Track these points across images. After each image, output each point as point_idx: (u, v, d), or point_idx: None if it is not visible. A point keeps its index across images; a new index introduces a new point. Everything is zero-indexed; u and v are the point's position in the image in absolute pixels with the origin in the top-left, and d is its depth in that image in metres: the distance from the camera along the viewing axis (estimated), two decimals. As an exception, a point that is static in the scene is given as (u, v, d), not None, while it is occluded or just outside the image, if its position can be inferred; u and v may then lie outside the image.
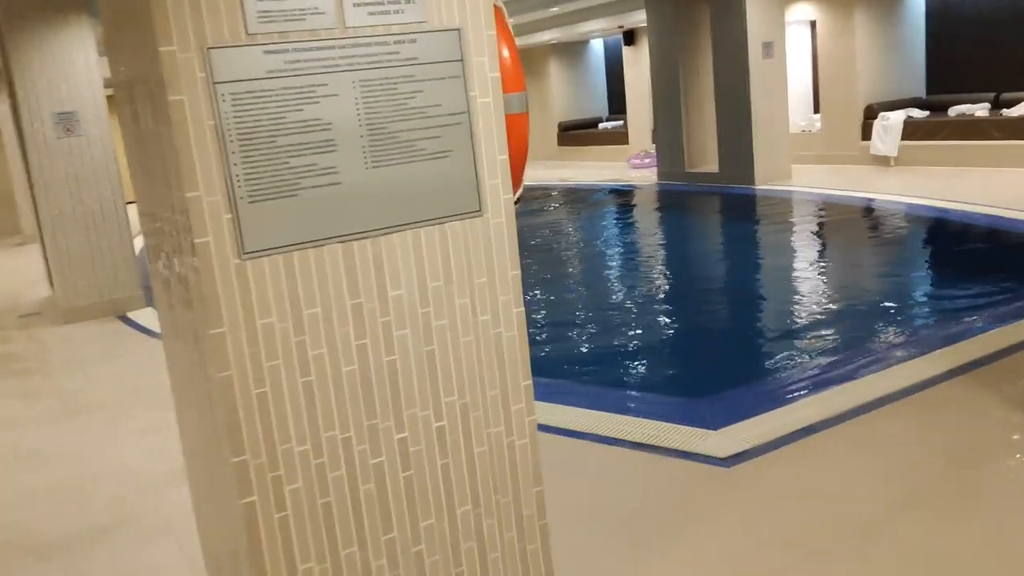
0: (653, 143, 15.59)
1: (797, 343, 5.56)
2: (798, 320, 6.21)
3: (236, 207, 1.83)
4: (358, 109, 1.94)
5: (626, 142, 18.31)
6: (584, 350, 6.02)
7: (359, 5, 1.92)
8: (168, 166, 1.88)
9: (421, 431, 2.13)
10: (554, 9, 15.53)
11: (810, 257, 8.69)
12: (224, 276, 1.85)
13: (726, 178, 12.76)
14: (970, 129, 11.85)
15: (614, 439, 3.97)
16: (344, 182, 1.94)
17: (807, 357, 5.22)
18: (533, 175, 15.94)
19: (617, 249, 10.12)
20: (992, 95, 12.32)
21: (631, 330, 6.38)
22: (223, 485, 2.07)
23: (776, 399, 4.39)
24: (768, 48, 12.15)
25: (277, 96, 1.85)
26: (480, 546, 2.25)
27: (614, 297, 7.68)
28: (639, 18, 15.27)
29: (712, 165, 13.38)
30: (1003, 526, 2.95)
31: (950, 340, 4.90)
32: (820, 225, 10.10)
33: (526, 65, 18.28)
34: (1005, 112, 11.65)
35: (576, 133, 20.15)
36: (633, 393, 4.99)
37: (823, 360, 5.09)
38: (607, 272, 8.89)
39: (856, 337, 5.45)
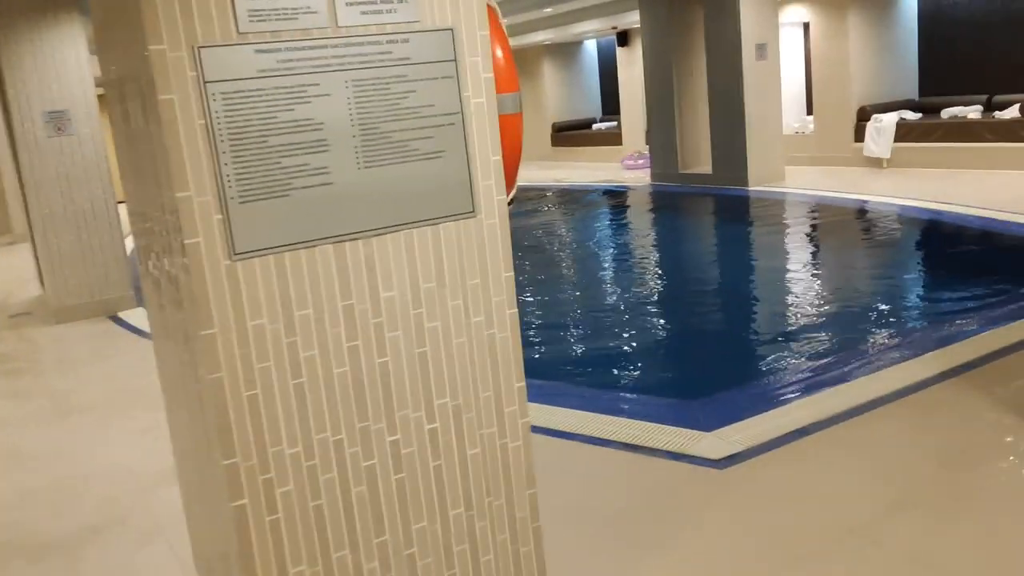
0: (647, 144, 15.60)
1: (790, 345, 5.56)
2: (791, 322, 6.21)
3: (227, 207, 1.81)
4: (350, 109, 1.92)
5: (620, 143, 18.31)
6: (577, 351, 6.01)
7: (351, 4, 1.90)
8: (158, 166, 1.86)
9: (413, 433, 2.12)
10: (548, 10, 15.53)
11: (803, 259, 8.70)
12: (215, 277, 1.83)
13: (719, 179, 12.77)
14: (963, 131, 11.88)
15: (607, 440, 3.97)
16: (336, 182, 1.93)
17: (800, 359, 5.23)
18: (527, 176, 15.94)
19: (610, 250, 10.12)
20: (984, 97, 12.35)
21: (624, 331, 6.37)
22: (214, 487, 2.05)
23: (769, 401, 4.39)
24: (761, 49, 12.17)
25: (268, 96, 1.83)
26: (473, 548, 2.24)
27: (607, 298, 7.67)
28: (633, 19, 15.27)
29: (705, 166, 13.39)
30: (995, 528, 2.95)
31: (942, 342, 4.91)
32: (813, 227, 10.11)
33: (520, 66, 18.27)
34: (997, 114, 11.68)
35: (570, 134, 20.15)
36: (626, 394, 4.98)
37: (816, 362, 5.09)
38: (600, 273, 8.89)
39: (849, 339, 5.46)
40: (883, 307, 6.19)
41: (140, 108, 1.92)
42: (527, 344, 5.54)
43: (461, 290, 2.14)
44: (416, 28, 2.00)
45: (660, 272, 8.68)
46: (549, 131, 20.42)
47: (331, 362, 1.99)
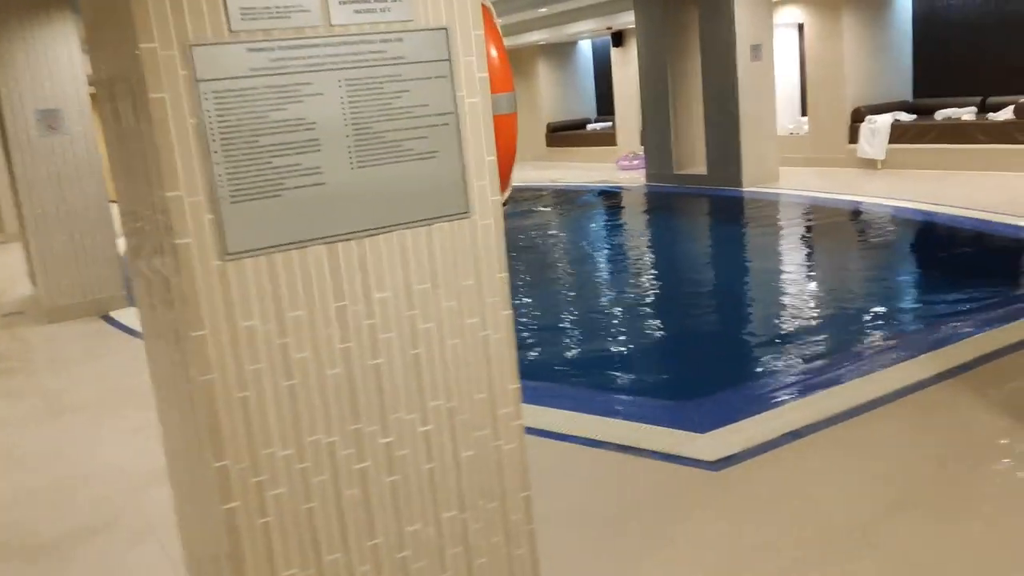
0: (641, 145, 15.60)
1: (785, 346, 5.56)
2: (786, 323, 6.21)
3: (218, 207, 1.80)
4: (343, 108, 1.91)
5: (614, 143, 18.32)
6: (571, 352, 6.00)
7: (345, 3, 1.89)
8: (149, 165, 1.85)
9: (407, 435, 2.10)
10: (543, 10, 15.52)
11: (797, 260, 8.71)
12: (206, 277, 1.82)
13: (714, 180, 12.77)
14: (957, 133, 11.91)
15: (601, 442, 3.96)
16: (329, 182, 1.91)
17: (795, 360, 5.22)
18: (521, 176, 15.93)
19: (605, 251, 10.11)
20: (978, 99, 12.38)
21: (618, 332, 6.36)
22: (204, 489, 2.04)
23: (764, 402, 4.38)
24: (756, 50, 12.17)
25: (260, 95, 1.81)
26: (466, 551, 2.23)
27: (602, 299, 7.66)
28: (628, 19, 15.27)
29: (700, 167, 13.39)
30: (992, 530, 2.94)
31: (937, 344, 4.91)
32: (807, 228, 10.12)
33: (515, 66, 18.26)
34: (991, 116, 11.71)
35: (565, 134, 20.14)
36: (620, 396, 4.97)
37: (811, 363, 5.08)
38: (595, 274, 8.88)
39: (843, 340, 5.46)
40: (877, 308, 6.19)
41: (131, 107, 1.90)
42: (521, 345, 5.53)
43: (455, 291, 2.13)
44: (410, 27, 1.98)
45: (654, 273, 8.67)
46: (544, 131, 20.42)
47: (323, 364, 1.97)
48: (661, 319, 6.77)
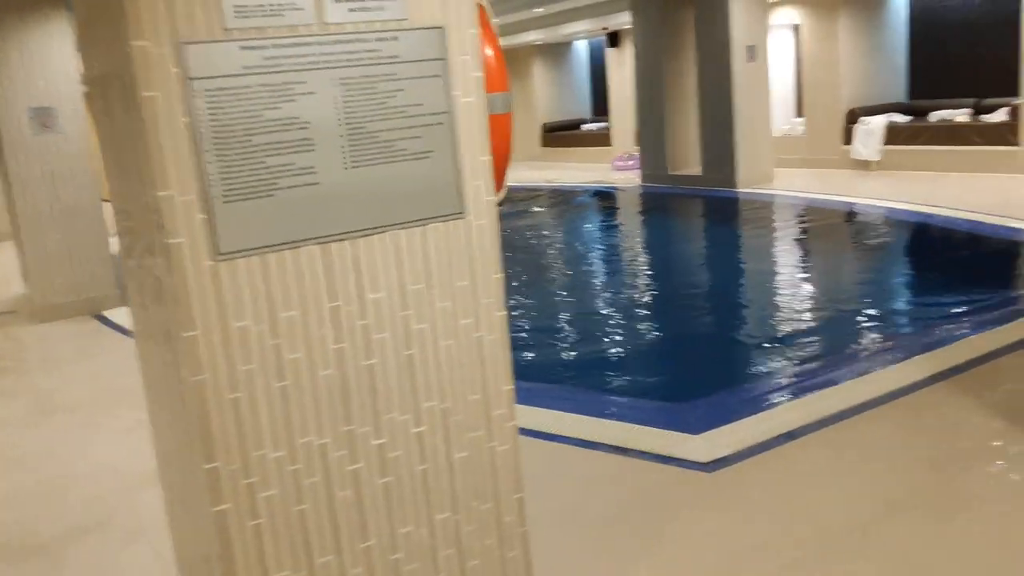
0: (636, 145, 15.59)
1: (779, 347, 5.56)
2: (780, 324, 6.21)
3: (210, 207, 1.78)
4: (337, 108, 1.90)
5: (610, 144, 18.30)
6: (565, 353, 5.99)
7: (339, 1, 1.88)
8: (141, 164, 1.83)
9: (400, 437, 2.09)
10: (539, 10, 15.50)
11: (791, 261, 8.71)
12: (198, 277, 1.80)
13: (709, 181, 12.77)
14: (951, 134, 11.93)
15: (594, 443, 3.95)
16: (322, 182, 1.90)
17: (789, 361, 5.22)
18: (517, 176, 15.91)
19: (600, 252, 10.11)
20: (973, 101, 12.39)
21: (613, 333, 6.36)
22: (195, 490, 2.02)
23: (758, 403, 4.38)
24: (752, 51, 12.18)
25: (253, 93, 1.80)
26: (459, 553, 2.22)
27: (596, 300, 7.66)
28: (623, 20, 15.27)
29: (695, 168, 13.39)
30: (985, 532, 2.94)
31: (931, 345, 4.91)
32: (802, 229, 10.12)
33: (510, 66, 18.22)
34: (985, 118, 11.73)
35: (560, 134, 20.13)
36: (614, 397, 4.96)
37: (805, 365, 5.08)
38: (589, 275, 8.87)
39: (837, 342, 5.45)
40: (871, 310, 6.19)
41: (123, 105, 1.89)
42: (515, 346, 5.51)
43: (449, 292, 2.12)
44: (405, 26, 1.97)
45: (649, 274, 8.67)
46: (539, 131, 20.40)
47: (316, 364, 1.96)
48: (655, 320, 6.76)
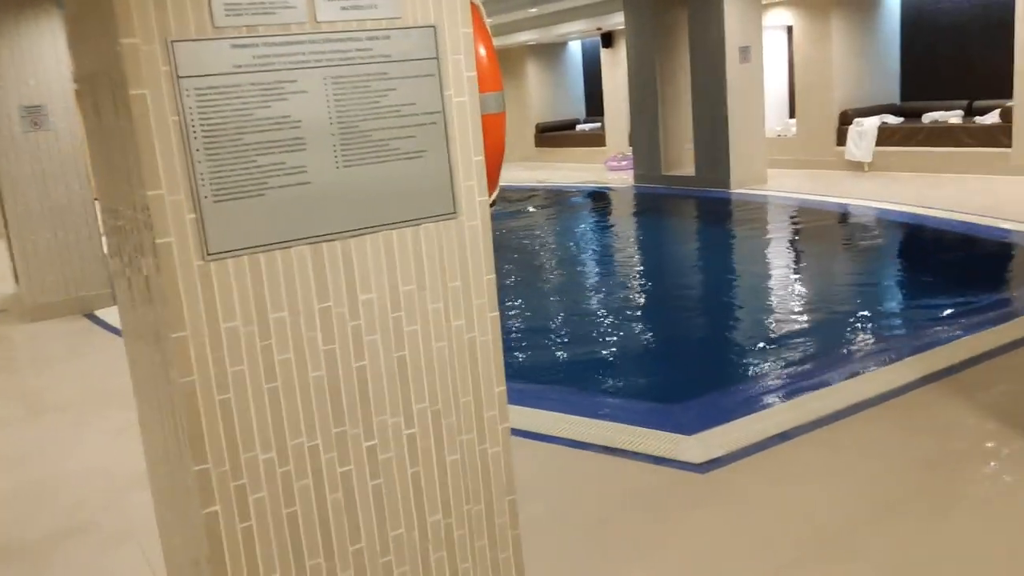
0: (630, 145, 15.60)
1: (772, 348, 5.55)
2: (773, 325, 6.21)
3: (200, 206, 1.76)
4: (329, 107, 1.88)
5: (603, 144, 18.32)
6: (558, 354, 5.98)
7: (331, -1, 1.86)
8: (130, 162, 1.81)
9: (391, 438, 2.07)
10: (533, 10, 15.49)
11: (785, 262, 8.71)
12: (187, 278, 1.78)
13: (702, 181, 12.78)
14: (943, 136, 11.96)
15: (587, 444, 3.94)
16: (314, 182, 1.88)
17: (782, 362, 5.22)
18: (510, 176, 15.90)
19: (593, 253, 10.10)
20: (965, 103, 12.44)
21: (606, 334, 6.35)
22: (185, 492, 2.00)
23: (751, 404, 4.38)
24: (745, 52, 12.19)
25: (244, 92, 1.78)
26: (451, 556, 2.20)
27: (589, 301, 7.65)
28: (617, 20, 15.27)
29: (688, 168, 13.40)
30: (979, 532, 2.94)
31: (924, 346, 4.92)
32: (795, 230, 10.14)
33: (504, 66, 18.23)
34: (978, 119, 11.77)
35: (554, 135, 20.14)
36: (607, 398, 4.95)
37: (798, 366, 5.08)
38: (582, 276, 8.87)
39: (831, 343, 5.45)
40: (865, 311, 6.20)
41: (112, 103, 1.86)
42: (508, 347, 5.50)
43: (441, 293, 2.10)
44: (397, 25, 1.95)
45: (642, 275, 8.67)
46: (533, 131, 20.40)
47: (307, 366, 1.94)
48: (648, 321, 6.76)
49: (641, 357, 5.87)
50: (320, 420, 1.97)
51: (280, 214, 1.85)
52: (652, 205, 12.86)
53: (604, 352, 5.91)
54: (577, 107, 21.04)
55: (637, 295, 7.73)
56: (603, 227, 12.01)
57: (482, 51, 2.22)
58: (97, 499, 3.83)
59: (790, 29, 14.25)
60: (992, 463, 3.46)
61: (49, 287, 7.60)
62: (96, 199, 5.74)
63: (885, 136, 12.47)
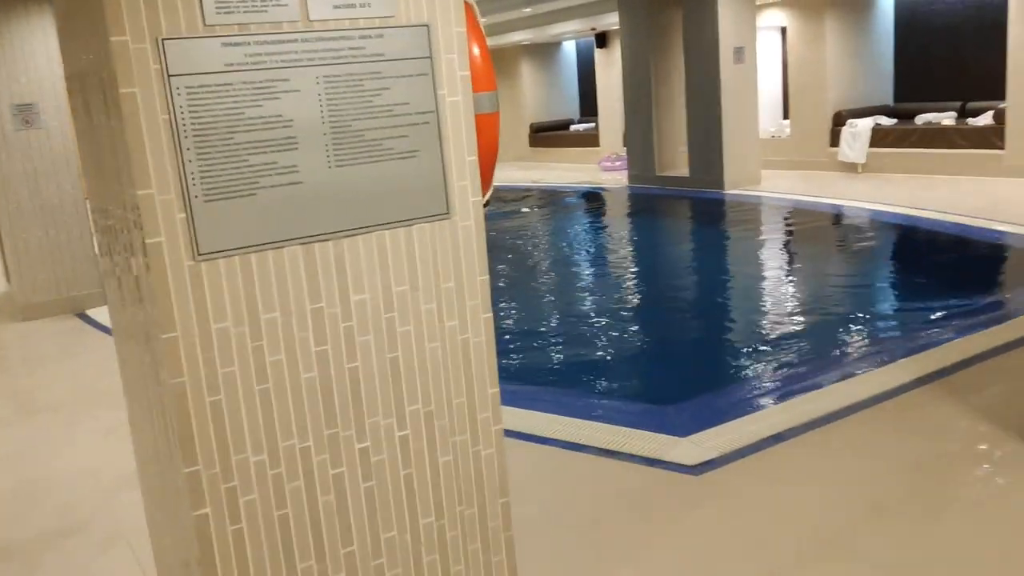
0: (624, 146, 15.59)
1: (766, 350, 5.55)
2: (766, 327, 6.20)
3: (190, 206, 1.75)
4: (321, 106, 1.86)
5: (597, 144, 18.31)
6: (551, 355, 5.97)
7: (323, -3, 1.84)
8: (120, 161, 1.79)
9: (383, 440, 2.06)
10: (527, 10, 15.48)
11: (778, 263, 8.72)
12: (177, 278, 1.77)
13: (696, 182, 12.78)
14: (937, 137, 11.98)
15: (580, 445, 3.93)
16: (306, 181, 1.87)
17: (775, 364, 5.21)
18: (504, 176, 15.90)
19: (587, 254, 10.08)
20: (958, 104, 12.46)
21: (599, 335, 6.34)
22: (175, 494, 1.99)
23: (745, 406, 4.37)
24: (739, 53, 12.19)
25: (235, 91, 1.77)
26: (443, 558, 2.19)
27: (582, 302, 7.64)
28: (611, 21, 15.27)
29: (682, 169, 13.40)
30: (972, 534, 2.93)
31: (917, 348, 4.92)
32: (788, 231, 10.14)
33: (498, 66, 18.22)
34: (971, 121, 11.78)
35: (548, 135, 20.12)
36: (600, 399, 4.94)
37: (791, 367, 5.08)
38: (576, 277, 8.85)
39: (824, 344, 5.45)
40: (858, 313, 6.20)
41: (101, 102, 1.85)
42: (501, 348, 5.49)
43: (435, 293, 2.09)
44: (390, 23, 1.94)
45: (636, 276, 8.66)
46: (527, 131, 20.39)
47: (299, 367, 1.93)
48: (642, 322, 6.75)
49: (635, 358, 5.86)
50: (312, 422, 1.96)
51: (272, 214, 1.83)
52: (646, 206, 12.86)
53: (598, 353, 5.90)
54: (571, 107, 21.04)
55: (631, 296, 7.72)
56: (597, 228, 12.00)
57: (476, 50, 2.21)
58: (88, 500, 3.81)
59: (784, 30, 14.25)
60: (985, 465, 3.46)
61: (41, 286, 7.56)
62: (87, 198, 5.71)
63: (878, 137, 12.49)
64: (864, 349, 5.30)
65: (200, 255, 1.77)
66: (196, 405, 1.82)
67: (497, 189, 2.61)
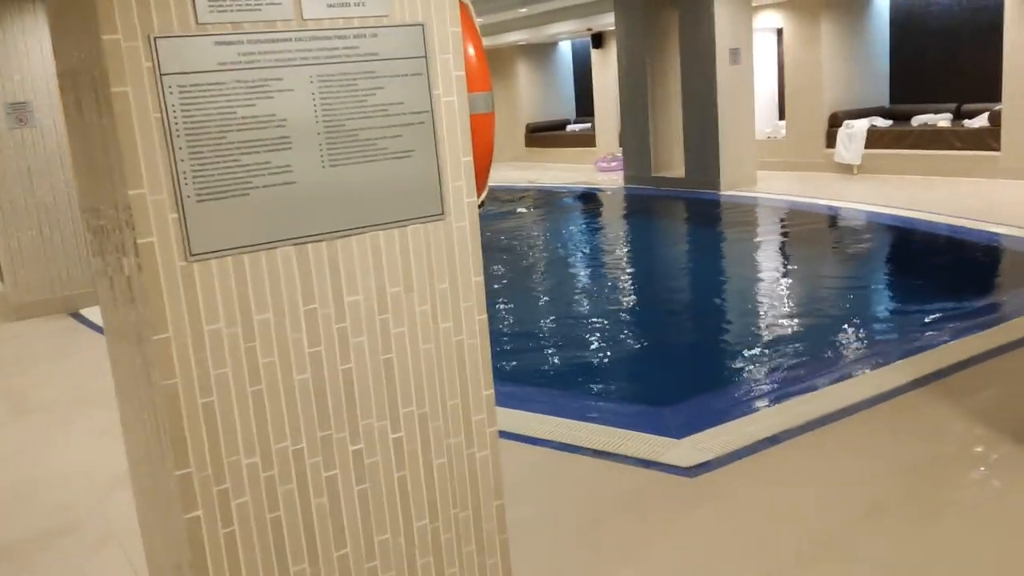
0: (620, 146, 15.59)
1: (761, 352, 5.54)
2: (762, 329, 6.20)
3: (183, 206, 1.73)
4: (315, 105, 1.85)
5: (593, 145, 18.31)
6: (546, 356, 5.95)
7: (317, -4, 1.83)
8: (111, 161, 1.78)
9: (377, 442, 2.04)
10: (523, 10, 15.47)
11: (774, 265, 8.71)
12: (169, 279, 1.75)
13: (692, 183, 12.78)
14: (932, 139, 11.99)
15: (576, 447, 3.91)
16: (299, 181, 1.85)
17: (771, 366, 5.21)
18: (500, 176, 15.89)
19: (583, 255, 10.08)
20: (954, 106, 12.49)
21: (595, 337, 6.33)
22: (167, 496, 1.97)
23: (741, 408, 4.36)
24: (735, 54, 12.20)
25: (228, 90, 1.75)
26: (437, 561, 2.17)
27: (578, 304, 7.63)
28: (608, 21, 15.26)
29: (678, 170, 13.40)
30: (967, 537, 2.93)
31: (913, 350, 4.91)
32: (784, 233, 10.14)
33: (494, 66, 18.21)
34: (966, 123, 11.81)
35: (544, 135, 20.12)
36: (596, 401, 4.93)
37: (787, 370, 5.07)
38: (572, 278, 8.84)
39: (820, 346, 5.44)
40: (853, 315, 6.20)
41: (93, 100, 1.83)
42: (496, 349, 5.47)
43: (429, 295, 2.07)
44: (385, 23, 1.93)
45: (632, 277, 8.65)
46: (523, 132, 20.38)
47: (292, 368, 1.91)
48: (638, 323, 6.74)
49: (631, 360, 5.85)
50: (305, 423, 1.94)
51: (265, 214, 1.82)
52: (642, 206, 12.86)
53: (593, 355, 5.89)
54: (567, 107, 21.04)
55: (627, 297, 7.71)
56: (593, 228, 11.99)
57: (471, 50, 2.20)
58: (80, 501, 3.79)
59: (780, 31, 14.27)
60: (981, 468, 3.46)
61: (34, 285, 7.54)
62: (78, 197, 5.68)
63: (874, 139, 12.50)
64: (860, 351, 5.30)
65: (192, 255, 1.76)
66: (188, 407, 1.80)
67: (493, 189, 2.60)
